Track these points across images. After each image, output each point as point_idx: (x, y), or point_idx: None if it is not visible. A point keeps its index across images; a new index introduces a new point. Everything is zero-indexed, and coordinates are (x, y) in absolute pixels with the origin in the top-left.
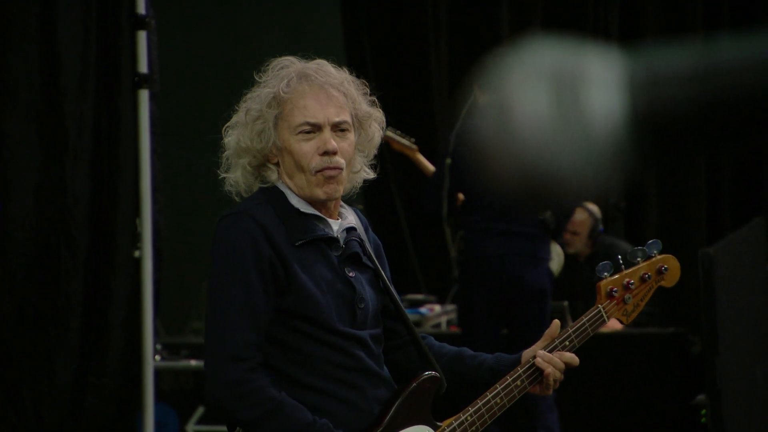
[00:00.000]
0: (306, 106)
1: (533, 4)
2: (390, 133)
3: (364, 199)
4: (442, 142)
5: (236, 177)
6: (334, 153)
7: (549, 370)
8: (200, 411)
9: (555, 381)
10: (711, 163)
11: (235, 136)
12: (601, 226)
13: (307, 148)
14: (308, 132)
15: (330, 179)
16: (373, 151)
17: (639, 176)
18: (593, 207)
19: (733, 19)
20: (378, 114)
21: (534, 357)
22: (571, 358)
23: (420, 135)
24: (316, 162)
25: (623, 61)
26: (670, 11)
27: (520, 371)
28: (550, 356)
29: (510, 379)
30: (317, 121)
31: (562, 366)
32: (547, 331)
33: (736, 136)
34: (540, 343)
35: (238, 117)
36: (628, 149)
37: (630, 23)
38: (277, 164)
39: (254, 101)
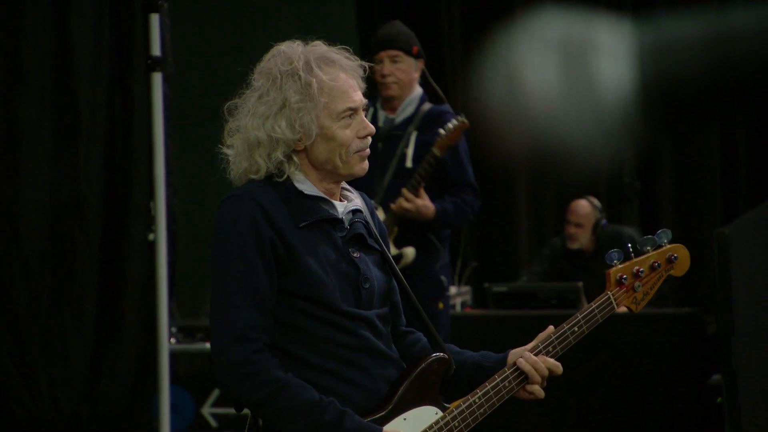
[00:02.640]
0: (347, 91)
1: None
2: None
3: None
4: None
5: (249, 165)
6: (371, 134)
7: (531, 371)
8: (216, 393)
9: (542, 381)
10: (725, 140)
11: (265, 129)
12: (604, 220)
13: (349, 133)
14: (350, 116)
15: (364, 157)
16: None
17: (651, 149)
18: (596, 201)
19: None
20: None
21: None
22: (553, 364)
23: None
24: (356, 144)
25: (633, 31)
26: None
27: (508, 372)
28: (535, 360)
29: (508, 372)
30: (357, 104)
31: (545, 371)
32: (541, 334)
33: (748, 106)
34: (530, 345)
35: (266, 105)
36: (640, 120)
37: None
38: (301, 152)
39: (291, 90)
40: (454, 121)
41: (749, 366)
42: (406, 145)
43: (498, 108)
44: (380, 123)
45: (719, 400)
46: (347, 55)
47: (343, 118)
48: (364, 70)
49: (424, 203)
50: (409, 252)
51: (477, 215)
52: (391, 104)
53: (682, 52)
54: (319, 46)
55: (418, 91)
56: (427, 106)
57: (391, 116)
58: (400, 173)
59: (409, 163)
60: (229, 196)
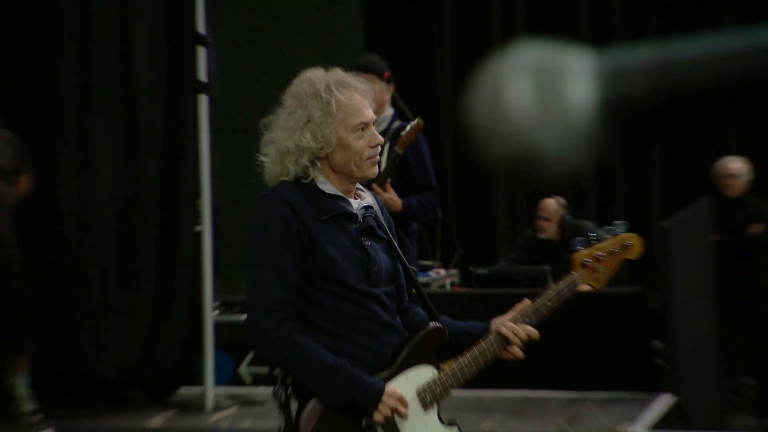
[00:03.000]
0: (359, 109)
1: (518, 12)
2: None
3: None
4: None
5: (281, 169)
6: (379, 143)
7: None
8: (251, 356)
9: (521, 344)
10: (666, 152)
11: (293, 139)
12: (568, 215)
13: (362, 143)
14: (363, 129)
15: (374, 164)
16: None
17: (607, 158)
18: (562, 199)
19: (684, 23)
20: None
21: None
22: (531, 331)
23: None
24: (368, 152)
25: (593, 59)
26: (632, 17)
27: (491, 337)
28: (515, 327)
29: (491, 337)
30: (369, 120)
31: (524, 336)
32: (519, 305)
33: (685, 124)
34: (510, 315)
35: (295, 123)
36: (598, 134)
37: (599, 27)
38: (323, 158)
39: (315, 108)
40: (412, 123)
41: (683, 333)
42: (380, 155)
43: (482, 122)
44: None
45: (660, 361)
46: (361, 80)
47: (357, 130)
48: (374, 93)
49: (391, 196)
50: None
51: (437, 211)
52: None
53: (633, 77)
54: (338, 73)
55: (389, 110)
56: (397, 123)
57: None
58: (376, 179)
59: (382, 170)
60: (264, 195)
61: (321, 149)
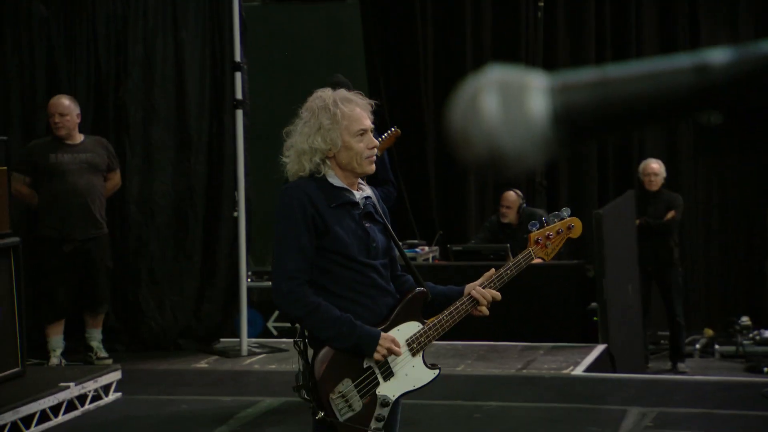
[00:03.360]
0: (359, 118)
1: (485, 41)
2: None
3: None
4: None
5: (299, 167)
6: (375, 146)
7: (481, 300)
8: (276, 314)
9: (488, 304)
10: (600, 154)
11: (308, 142)
12: (525, 204)
13: (362, 145)
14: (362, 134)
15: (372, 162)
16: None
17: (554, 159)
18: (520, 192)
19: (615, 51)
20: (373, 117)
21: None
22: (495, 294)
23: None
24: (367, 153)
25: (546, 78)
26: (574, 47)
27: (464, 299)
28: (483, 291)
29: (464, 298)
30: (367, 127)
31: (489, 298)
32: (486, 274)
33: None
34: (479, 281)
35: (310, 128)
36: (549, 139)
37: (549, 55)
38: (331, 158)
39: (324, 118)
40: (390, 131)
41: (614, 297)
42: None
43: (458, 128)
44: None
45: (595, 318)
46: (361, 96)
47: (357, 135)
48: (372, 106)
49: None
50: None
51: (397, 200)
52: None
53: (576, 92)
54: (342, 91)
55: None
56: None
57: None
58: None
59: None
60: (286, 186)
61: (329, 150)
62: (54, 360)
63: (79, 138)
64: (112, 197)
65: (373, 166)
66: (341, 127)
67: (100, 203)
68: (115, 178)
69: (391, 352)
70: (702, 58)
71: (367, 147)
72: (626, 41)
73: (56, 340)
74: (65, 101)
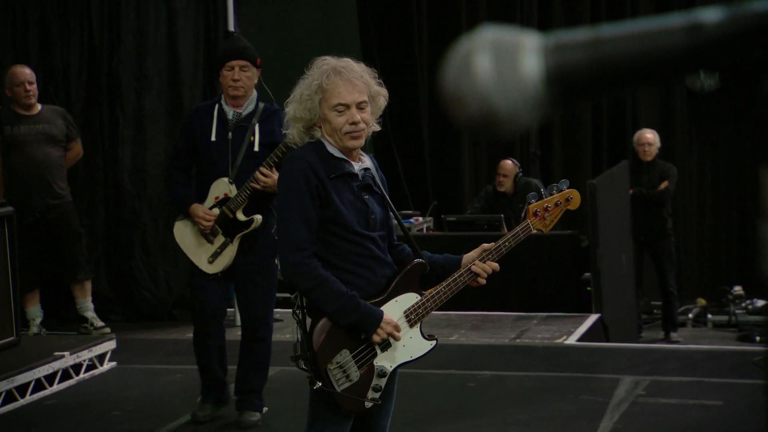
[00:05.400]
0: (340, 93)
1: (481, 11)
2: None
3: (373, 146)
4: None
5: (293, 134)
6: (357, 123)
7: (480, 272)
8: None
9: (486, 276)
10: (595, 127)
11: (292, 109)
12: (521, 172)
13: (341, 120)
14: (341, 110)
15: (354, 138)
16: (379, 113)
17: (549, 126)
18: (516, 161)
19: (610, 14)
20: (383, 90)
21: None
22: (495, 266)
23: (405, 89)
24: (347, 128)
25: (540, 38)
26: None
27: (462, 271)
28: (483, 265)
29: (463, 270)
30: (346, 102)
31: (489, 271)
32: (482, 246)
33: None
34: (476, 253)
35: (294, 96)
36: (544, 100)
37: (544, 19)
38: (320, 127)
39: (306, 87)
40: None
41: (607, 266)
42: (253, 134)
43: (451, 87)
44: (229, 117)
45: (589, 288)
46: (354, 68)
47: (335, 109)
48: (375, 75)
49: (275, 179)
50: (258, 218)
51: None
52: (237, 102)
53: (571, 51)
54: (341, 61)
55: (255, 92)
56: (262, 104)
57: (238, 111)
58: (249, 155)
59: (256, 148)
60: (289, 156)
61: (311, 119)
62: (33, 329)
63: (37, 108)
64: (105, 167)
65: (356, 142)
66: (319, 98)
67: (58, 174)
68: (76, 148)
69: (391, 336)
70: (696, 17)
71: (348, 122)
72: (621, 3)
73: (33, 310)
74: (28, 70)
